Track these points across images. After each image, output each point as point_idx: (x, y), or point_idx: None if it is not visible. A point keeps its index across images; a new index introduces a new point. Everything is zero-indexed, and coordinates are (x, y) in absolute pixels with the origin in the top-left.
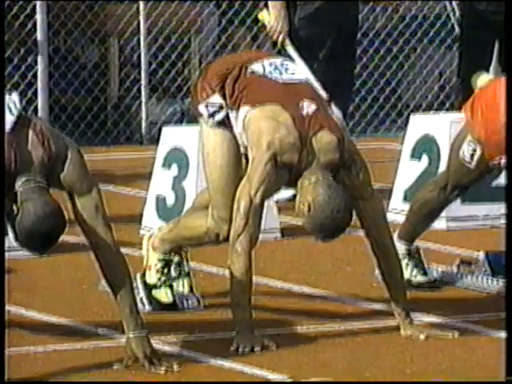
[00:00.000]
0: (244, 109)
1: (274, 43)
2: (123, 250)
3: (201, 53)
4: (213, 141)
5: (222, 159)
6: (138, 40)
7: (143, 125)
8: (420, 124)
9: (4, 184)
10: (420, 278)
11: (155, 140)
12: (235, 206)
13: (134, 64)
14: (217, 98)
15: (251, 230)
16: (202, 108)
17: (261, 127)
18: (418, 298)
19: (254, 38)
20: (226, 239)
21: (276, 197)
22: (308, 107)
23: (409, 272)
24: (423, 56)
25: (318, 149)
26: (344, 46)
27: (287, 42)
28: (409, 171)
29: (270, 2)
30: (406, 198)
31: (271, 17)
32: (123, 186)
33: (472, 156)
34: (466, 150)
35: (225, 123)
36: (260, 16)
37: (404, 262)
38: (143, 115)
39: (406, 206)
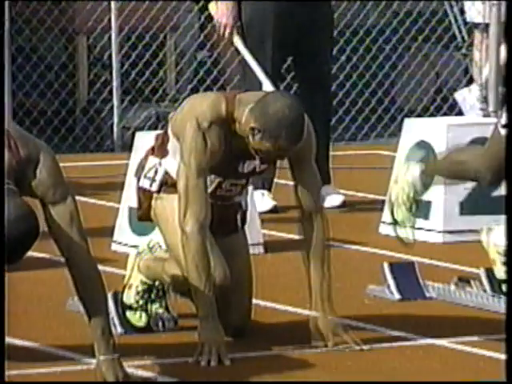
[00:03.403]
0: (169, 127)
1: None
2: None
3: (177, 52)
4: (169, 208)
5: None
6: (109, 38)
7: (115, 130)
8: (415, 129)
9: (4, 184)
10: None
11: (128, 147)
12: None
13: (105, 64)
14: (151, 160)
15: (194, 207)
16: (142, 182)
17: (182, 112)
18: (411, 318)
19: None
20: None
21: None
22: None
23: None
24: (418, 55)
25: (248, 99)
26: (311, 43)
27: (235, 37)
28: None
29: None
30: None
31: (218, 8)
32: (93, 197)
33: None
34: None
35: (173, 184)
36: (210, 7)
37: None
38: (115, 120)
39: None
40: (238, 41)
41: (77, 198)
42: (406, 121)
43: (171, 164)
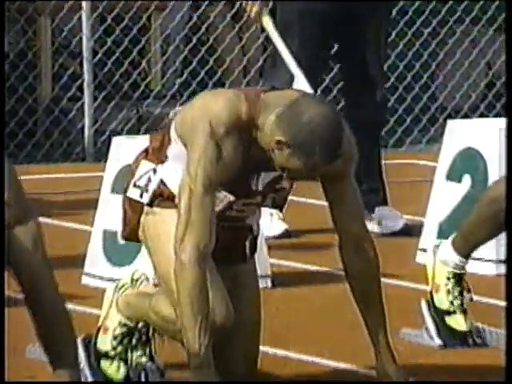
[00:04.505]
0: (172, 128)
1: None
2: None
3: (163, 37)
4: (161, 225)
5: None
6: (79, 20)
7: (86, 135)
8: (460, 133)
9: (4, 184)
10: (457, 325)
11: (103, 155)
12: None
13: (74, 53)
14: (145, 166)
15: (196, 230)
16: (131, 192)
17: (193, 111)
18: (456, 369)
19: (235, 17)
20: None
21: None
22: None
23: (446, 305)
24: (465, 41)
25: (275, 103)
26: (357, 27)
27: (266, 17)
28: (445, 197)
29: None
30: (441, 234)
31: None
32: (59, 218)
33: None
34: None
35: (169, 198)
36: None
37: (445, 288)
38: (86, 122)
39: None
40: (268, 22)
41: (40, 219)
42: (450, 123)
43: (169, 172)
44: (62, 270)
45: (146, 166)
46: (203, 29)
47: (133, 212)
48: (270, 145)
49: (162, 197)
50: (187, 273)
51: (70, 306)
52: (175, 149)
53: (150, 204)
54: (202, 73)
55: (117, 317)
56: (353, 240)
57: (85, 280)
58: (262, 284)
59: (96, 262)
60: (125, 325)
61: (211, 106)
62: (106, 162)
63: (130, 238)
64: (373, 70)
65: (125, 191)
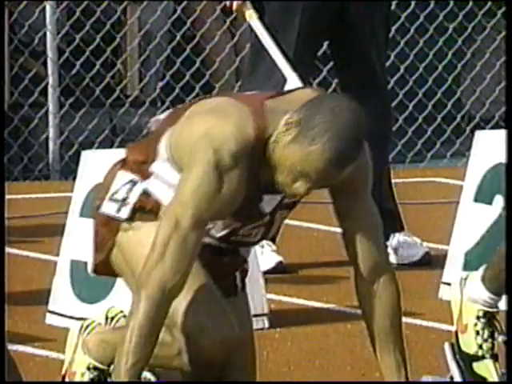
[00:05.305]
0: (164, 139)
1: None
2: (19, 346)
3: (142, 34)
4: (146, 241)
5: None
6: (42, 12)
7: (51, 148)
8: (491, 146)
9: (4, 183)
10: (486, 372)
11: (70, 172)
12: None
13: (37, 51)
14: (123, 177)
15: (169, 266)
16: (106, 207)
17: (193, 136)
18: None
19: (225, 10)
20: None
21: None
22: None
23: (474, 349)
24: (496, 38)
25: (284, 109)
26: (356, 24)
27: (249, 11)
28: (473, 221)
29: None
30: (468, 265)
31: None
32: (19, 247)
33: None
34: None
35: (152, 211)
36: None
37: (473, 329)
38: (50, 133)
39: None
40: (252, 16)
41: None
42: (478, 134)
43: (157, 186)
44: (23, 307)
45: (124, 177)
46: (188, 23)
47: (108, 233)
48: (278, 135)
49: (144, 210)
50: (141, 309)
51: (31, 349)
52: (161, 168)
53: (130, 218)
54: (188, 75)
55: (85, 360)
56: (371, 271)
57: (49, 319)
58: (257, 324)
59: (62, 298)
60: (95, 368)
61: (214, 130)
62: (74, 180)
63: (102, 271)
64: (372, 72)
65: (97, 208)
